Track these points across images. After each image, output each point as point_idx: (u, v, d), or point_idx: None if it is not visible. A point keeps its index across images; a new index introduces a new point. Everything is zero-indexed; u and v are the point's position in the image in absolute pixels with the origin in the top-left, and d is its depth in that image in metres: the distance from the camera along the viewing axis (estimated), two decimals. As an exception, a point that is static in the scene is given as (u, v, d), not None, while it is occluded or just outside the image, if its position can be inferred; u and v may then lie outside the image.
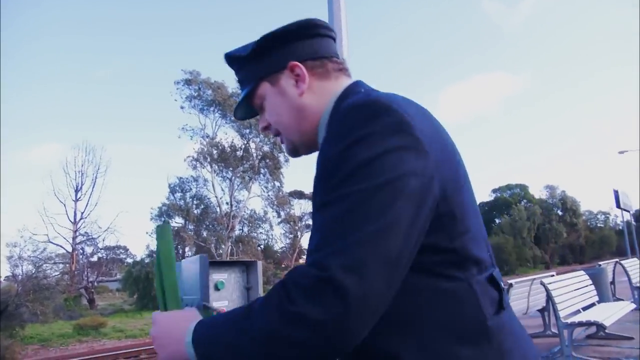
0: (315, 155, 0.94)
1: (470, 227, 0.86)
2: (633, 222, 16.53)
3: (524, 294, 6.63)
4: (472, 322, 0.82)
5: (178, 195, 34.78)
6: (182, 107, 33.45)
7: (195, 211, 34.65)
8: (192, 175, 34.57)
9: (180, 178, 34.72)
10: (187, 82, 33.11)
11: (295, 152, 1.09)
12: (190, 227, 34.63)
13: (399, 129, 0.79)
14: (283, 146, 1.10)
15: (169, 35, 61.85)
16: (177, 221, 34.67)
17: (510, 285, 6.28)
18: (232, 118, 33.18)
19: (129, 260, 35.50)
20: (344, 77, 1.05)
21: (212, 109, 33.57)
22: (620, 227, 67.82)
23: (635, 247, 16.81)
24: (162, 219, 34.26)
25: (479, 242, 0.88)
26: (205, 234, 34.94)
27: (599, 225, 71.46)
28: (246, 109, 1.13)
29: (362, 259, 0.71)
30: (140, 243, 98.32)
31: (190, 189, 34.97)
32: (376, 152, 0.77)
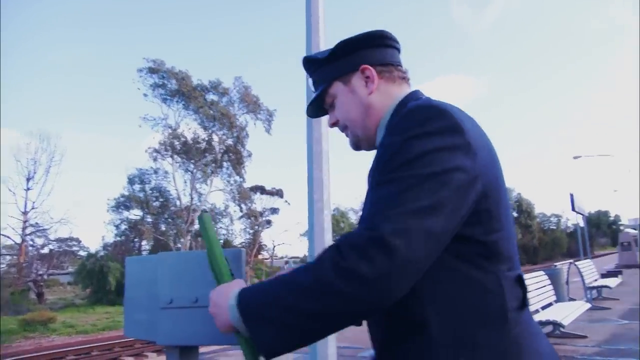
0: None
1: (504, 226, 0.97)
2: (584, 226, 17.08)
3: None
4: (495, 311, 0.92)
5: (137, 187, 33.83)
6: (145, 95, 32.60)
7: (155, 204, 33.78)
8: (152, 167, 33.72)
9: (140, 169, 33.78)
10: (151, 71, 32.24)
11: (357, 145, 1.20)
12: (149, 219, 33.76)
13: (452, 131, 0.92)
14: (348, 140, 1.21)
15: (131, 24, 60.24)
16: (135, 213, 33.77)
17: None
18: (195, 108, 32.61)
19: (83, 253, 34.19)
20: (406, 85, 1.18)
21: (175, 99, 32.82)
22: (571, 230, 70.59)
23: (588, 249, 17.40)
24: (120, 210, 33.32)
25: (511, 242, 0.99)
26: (164, 227, 34.14)
27: (551, 227, 73.96)
28: (317, 108, 1.26)
29: (411, 227, 0.83)
30: (95, 235, 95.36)
31: (150, 181, 34.07)
32: (432, 147, 0.89)
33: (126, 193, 33.33)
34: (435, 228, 0.84)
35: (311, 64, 1.23)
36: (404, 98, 1.11)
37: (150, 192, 33.97)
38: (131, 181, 33.58)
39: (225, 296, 0.98)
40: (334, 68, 1.17)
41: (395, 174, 0.89)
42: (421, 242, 0.83)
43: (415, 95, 1.12)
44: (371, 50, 1.15)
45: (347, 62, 1.15)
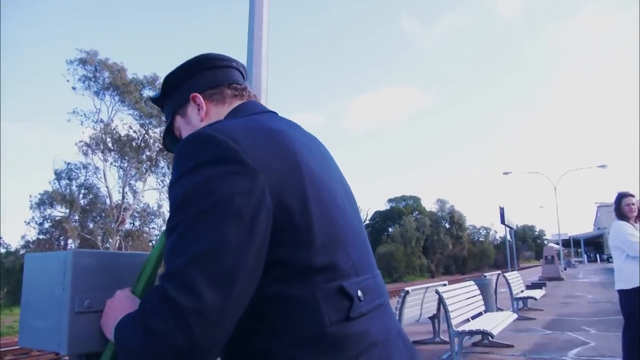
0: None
1: (316, 238, 0.88)
2: (512, 239, 17.84)
3: (417, 302, 6.76)
4: (310, 328, 0.85)
5: (64, 182, 32.03)
6: (74, 88, 30.88)
7: (82, 201, 32.11)
8: (81, 162, 32.02)
9: (69, 164, 31.95)
10: (82, 62, 30.64)
11: None
12: (75, 217, 32.06)
13: (221, 158, 0.85)
14: None
15: (64, 13, 57.36)
16: (60, 210, 31.91)
17: (407, 292, 6.37)
18: (131, 103, 31.37)
19: (2, 250, 32.01)
20: (237, 101, 1.14)
21: (109, 92, 31.41)
22: (498, 242, 73.90)
23: (515, 261, 18.16)
24: (43, 207, 31.43)
25: (334, 251, 0.91)
26: (91, 225, 32.52)
27: (480, 239, 77.04)
28: (172, 141, 1.25)
29: (193, 278, 0.77)
30: (15, 233, 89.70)
31: (79, 176, 32.34)
32: (200, 180, 0.83)
33: (50, 189, 31.44)
34: (223, 268, 0.78)
35: (156, 103, 1.25)
36: (225, 116, 1.10)
37: (78, 188, 32.27)
38: (58, 176, 31.76)
39: (122, 311, 0.95)
40: (170, 103, 1.19)
41: (173, 221, 0.84)
42: (211, 290, 0.77)
43: (234, 112, 1.11)
44: (199, 77, 1.15)
45: (179, 95, 1.16)
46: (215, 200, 0.81)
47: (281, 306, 0.86)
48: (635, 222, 4.71)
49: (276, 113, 1.13)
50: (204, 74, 1.15)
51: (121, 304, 1.03)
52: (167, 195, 0.91)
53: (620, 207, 4.73)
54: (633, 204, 4.74)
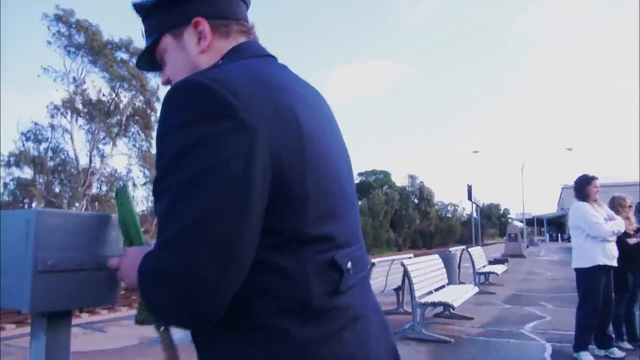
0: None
1: (311, 209, 0.84)
2: (477, 216, 18.23)
3: (383, 273, 6.89)
4: (295, 299, 0.82)
5: (31, 144, 31.10)
6: (48, 42, 29.75)
7: (50, 163, 31.30)
8: (50, 124, 31.10)
9: (36, 124, 31.04)
10: (58, 19, 29.50)
11: None
12: (41, 180, 31.26)
13: (217, 113, 0.77)
14: None
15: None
16: (27, 172, 31.04)
17: (373, 264, 6.48)
18: (104, 67, 30.45)
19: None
20: (242, 38, 1.02)
21: (81, 53, 30.38)
22: (465, 219, 75.48)
23: (479, 237, 18.61)
24: (8, 170, 30.51)
25: (328, 223, 0.87)
26: (58, 189, 31.81)
27: (447, 215, 78.51)
28: (150, 62, 1.09)
29: (188, 248, 0.73)
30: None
31: (47, 138, 31.46)
32: (193, 139, 0.76)
33: (16, 151, 30.50)
34: (219, 237, 0.73)
35: (139, 10, 1.05)
36: (224, 54, 0.97)
37: (45, 151, 31.43)
38: (25, 137, 30.84)
39: (137, 260, 0.87)
40: (163, 18, 1.01)
41: (163, 183, 0.77)
42: (207, 260, 0.73)
43: (233, 52, 0.98)
44: (208, 0, 0.99)
45: (179, 13, 0.99)
46: (210, 163, 0.74)
47: (268, 274, 0.81)
48: (598, 204, 4.88)
49: (276, 59, 1.03)
50: (214, 0, 1.00)
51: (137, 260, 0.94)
52: (155, 148, 0.83)
53: (587, 189, 4.86)
54: (597, 187, 4.90)
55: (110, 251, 1.15)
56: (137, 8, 1.06)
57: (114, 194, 1.25)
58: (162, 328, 1.02)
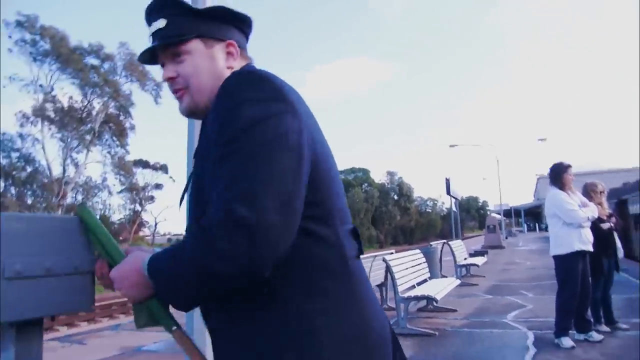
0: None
1: (332, 184, 1.04)
2: (456, 210, 18.41)
3: (365, 270, 6.88)
4: (337, 262, 0.99)
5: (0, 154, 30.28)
6: (10, 50, 29.03)
7: (21, 174, 30.56)
8: (19, 132, 30.36)
9: (4, 134, 30.21)
10: (20, 25, 28.79)
11: (193, 112, 1.15)
12: (13, 191, 30.53)
13: (277, 96, 0.97)
14: (181, 101, 1.15)
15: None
16: (-6, 184, 30.25)
17: (355, 261, 6.45)
18: (73, 73, 29.87)
19: None
20: (246, 62, 1.19)
21: (48, 60, 29.75)
22: (445, 213, 76.20)
23: (459, 230, 18.80)
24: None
25: (341, 198, 1.07)
26: (30, 200, 31.12)
27: (427, 210, 79.10)
28: (151, 55, 1.17)
29: (261, 200, 0.86)
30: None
31: (16, 148, 30.70)
32: (261, 114, 0.93)
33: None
34: (284, 193, 0.88)
35: (172, 5, 1.12)
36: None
37: (16, 160, 30.64)
38: (-6, 147, 30.05)
39: (137, 264, 1.00)
40: (205, 26, 1.12)
41: (231, 146, 0.91)
42: (275, 211, 0.86)
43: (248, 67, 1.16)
44: (237, 31, 1.17)
45: (221, 30, 1.14)
46: (276, 134, 0.91)
47: (312, 240, 0.97)
48: (572, 191, 4.96)
49: None
50: (242, 31, 1.19)
51: (133, 264, 1.02)
52: (211, 120, 1.01)
53: (564, 177, 4.93)
54: (572, 175, 4.98)
55: (81, 255, 1.11)
56: (172, 3, 1.12)
57: (73, 214, 1.22)
58: (175, 327, 1.05)
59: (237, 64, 1.15)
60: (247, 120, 0.92)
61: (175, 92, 1.15)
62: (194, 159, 1.11)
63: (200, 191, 1.02)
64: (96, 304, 13.47)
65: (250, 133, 0.91)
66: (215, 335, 1.04)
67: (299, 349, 0.92)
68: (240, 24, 1.18)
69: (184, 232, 1.19)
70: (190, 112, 1.15)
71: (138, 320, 1.07)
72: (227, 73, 1.10)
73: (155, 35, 1.13)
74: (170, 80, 1.14)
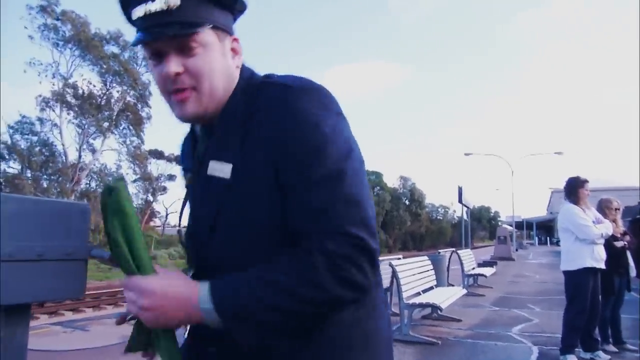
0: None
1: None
2: (467, 218, 18.27)
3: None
4: (376, 271, 1.00)
5: (18, 137, 30.67)
6: (30, 37, 29.34)
7: (38, 158, 30.91)
8: (38, 117, 30.69)
9: (24, 117, 30.58)
10: (43, 10, 29.04)
11: (198, 119, 1.01)
12: (29, 174, 30.89)
13: (342, 112, 0.97)
14: (183, 104, 0.96)
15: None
16: (13, 166, 30.66)
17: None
18: (93, 59, 30.11)
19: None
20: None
21: (69, 46, 30.02)
22: (456, 222, 75.83)
23: (469, 239, 18.65)
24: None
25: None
26: (46, 184, 31.45)
27: (438, 217, 78.74)
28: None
29: (373, 223, 0.90)
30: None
31: (35, 132, 31.04)
32: (343, 131, 0.94)
33: (2, 144, 30.06)
34: (374, 213, 0.93)
35: None
36: (244, 75, 1.03)
37: (34, 144, 30.99)
38: (13, 129, 30.46)
39: (184, 295, 0.89)
40: (217, 12, 0.96)
41: (337, 165, 0.89)
42: (376, 234, 0.91)
43: (248, 71, 1.06)
44: (233, 22, 1.03)
45: (227, 19, 0.99)
46: (351, 152, 0.93)
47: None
48: (587, 207, 4.86)
49: None
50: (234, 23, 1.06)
51: (167, 287, 0.91)
52: (296, 136, 0.90)
53: (579, 192, 4.84)
54: (588, 190, 4.88)
55: (74, 242, 1.08)
56: None
57: (101, 192, 1.03)
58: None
59: (240, 63, 1.03)
60: (333, 138, 0.91)
61: (175, 92, 0.96)
62: (194, 168, 1.05)
63: (247, 212, 0.93)
64: (102, 291, 13.59)
65: (337, 151, 0.90)
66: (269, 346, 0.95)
67: (363, 349, 0.97)
68: (238, 14, 1.04)
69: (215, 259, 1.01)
70: (195, 119, 1.00)
71: (137, 346, 1.00)
72: (237, 74, 1.01)
73: (160, 16, 0.91)
74: (176, 76, 0.94)
